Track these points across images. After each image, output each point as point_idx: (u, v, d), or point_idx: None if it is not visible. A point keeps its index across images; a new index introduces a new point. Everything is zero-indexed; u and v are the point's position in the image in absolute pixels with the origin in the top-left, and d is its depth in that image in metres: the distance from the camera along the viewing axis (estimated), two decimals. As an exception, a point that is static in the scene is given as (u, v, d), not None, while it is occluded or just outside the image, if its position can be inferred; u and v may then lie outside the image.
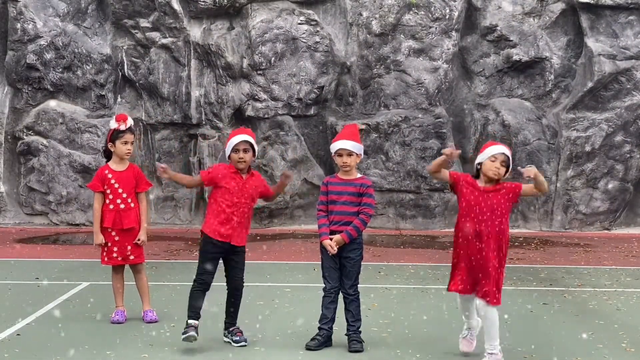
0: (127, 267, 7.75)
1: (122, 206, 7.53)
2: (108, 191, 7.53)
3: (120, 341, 6.96)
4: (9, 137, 14.81)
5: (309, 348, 6.72)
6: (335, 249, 6.70)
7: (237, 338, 6.87)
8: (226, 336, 6.94)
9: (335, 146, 6.86)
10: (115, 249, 7.55)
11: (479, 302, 6.26)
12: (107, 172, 7.57)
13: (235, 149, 6.84)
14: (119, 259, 7.58)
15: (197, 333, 6.70)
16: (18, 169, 14.93)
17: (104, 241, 7.52)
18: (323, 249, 6.80)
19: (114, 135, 7.54)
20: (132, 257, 7.59)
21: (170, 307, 8.25)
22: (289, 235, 13.81)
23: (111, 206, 7.52)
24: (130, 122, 7.61)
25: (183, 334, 6.71)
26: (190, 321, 6.77)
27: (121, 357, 6.52)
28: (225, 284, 6.99)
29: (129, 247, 7.56)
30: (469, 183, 6.36)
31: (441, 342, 7.04)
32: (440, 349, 6.82)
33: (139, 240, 7.57)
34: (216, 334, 7.07)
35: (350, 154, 6.78)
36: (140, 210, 7.61)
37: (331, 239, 6.73)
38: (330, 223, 6.80)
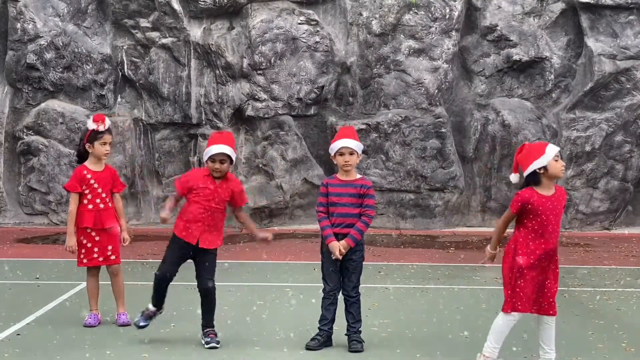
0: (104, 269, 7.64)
1: (101, 206, 7.42)
2: (87, 191, 7.40)
3: (120, 341, 6.96)
4: (9, 137, 14.81)
5: (309, 348, 6.71)
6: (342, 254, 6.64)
7: (208, 339, 6.77)
8: (202, 338, 6.86)
9: (337, 145, 6.75)
10: (95, 249, 7.42)
11: (549, 319, 6.19)
12: (85, 172, 7.43)
13: (212, 158, 6.75)
14: (100, 259, 7.45)
15: (151, 319, 6.95)
16: (18, 168, 14.92)
17: (75, 246, 7.39)
18: (324, 250, 6.75)
19: (92, 136, 7.41)
20: (113, 257, 7.49)
21: (170, 307, 8.25)
22: (289, 235, 13.81)
23: (90, 206, 7.40)
24: (108, 122, 7.48)
25: (136, 323, 6.94)
26: (149, 306, 6.96)
27: (121, 357, 6.52)
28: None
29: (110, 247, 7.45)
30: (538, 196, 6.00)
31: (441, 342, 7.04)
32: (440, 349, 6.83)
33: (124, 240, 7.49)
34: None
35: (352, 152, 6.70)
36: (117, 210, 7.55)
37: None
38: (331, 225, 6.72)
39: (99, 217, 7.41)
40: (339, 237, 6.69)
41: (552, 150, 6.03)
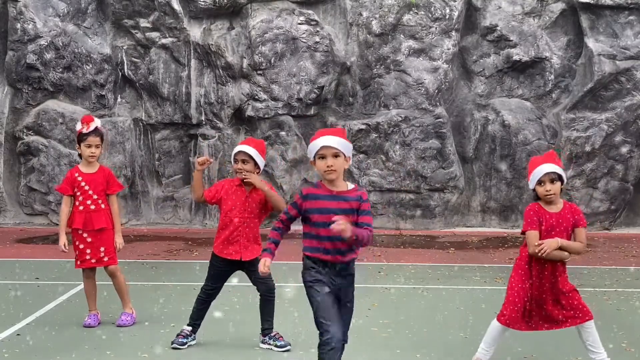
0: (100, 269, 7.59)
1: (92, 207, 7.32)
2: (78, 193, 7.33)
3: (120, 341, 6.96)
4: (9, 137, 14.82)
5: None
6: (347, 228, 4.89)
7: (282, 343, 6.65)
8: (265, 342, 6.73)
9: (316, 145, 5.08)
10: (88, 250, 7.36)
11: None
12: (76, 174, 7.37)
13: (234, 159, 6.64)
14: (93, 261, 7.38)
15: (187, 340, 6.72)
16: (18, 169, 14.93)
17: (66, 245, 7.33)
18: (310, 277, 5.19)
19: (79, 137, 7.34)
20: (106, 259, 7.39)
21: (170, 307, 8.25)
22: (289, 235, 13.77)
23: (81, 207, 7.33)
24: (95, 124, 7.34)
25: (172, 341, 6.73)
26: (185, 327, 6.80)
27: (121, 357, 6.52)
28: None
29: (102, 249, 7.37)
30: (541, 212, 5.92)
31: (441, 342, 7.04)
32: (440, 349, 6.83)
33: (116, 244, 7.36)
34: (215, 335, 7.07)
35: (336, 154, 5.04)
36: (112, 212, 7.40)
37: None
38: (319, 250, 5.15)
39: (89, 218, 7.32)
40: (333, 266, 5.17)
41: (536, 175, 5.92)
